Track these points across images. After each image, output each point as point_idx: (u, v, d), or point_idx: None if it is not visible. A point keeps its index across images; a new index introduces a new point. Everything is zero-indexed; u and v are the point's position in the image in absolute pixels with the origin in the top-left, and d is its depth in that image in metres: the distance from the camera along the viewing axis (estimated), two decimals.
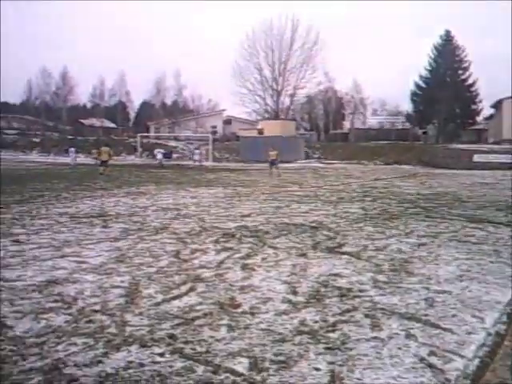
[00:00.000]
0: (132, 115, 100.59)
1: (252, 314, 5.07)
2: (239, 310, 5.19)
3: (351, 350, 4.22)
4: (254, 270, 6.94)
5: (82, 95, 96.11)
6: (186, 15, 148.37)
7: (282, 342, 4.35)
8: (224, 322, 4.83)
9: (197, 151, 50.39)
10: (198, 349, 4.18)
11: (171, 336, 4.44)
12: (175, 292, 5.80)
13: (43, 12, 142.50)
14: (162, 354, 4.06)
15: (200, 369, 3.82)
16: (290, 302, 5.52)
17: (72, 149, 45.07)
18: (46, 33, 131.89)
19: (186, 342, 4.30)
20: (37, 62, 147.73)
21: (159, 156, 47.50)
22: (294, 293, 5.87)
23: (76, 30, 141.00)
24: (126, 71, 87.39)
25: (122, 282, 6.19)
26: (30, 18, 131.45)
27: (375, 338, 4.48)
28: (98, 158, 31.50)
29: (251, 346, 4.26)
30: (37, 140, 69.86)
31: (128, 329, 4.60)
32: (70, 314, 4.96)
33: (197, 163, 46.41)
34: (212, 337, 4.44)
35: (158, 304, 5.34)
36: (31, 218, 11.45)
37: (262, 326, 4.74)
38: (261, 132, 63.48)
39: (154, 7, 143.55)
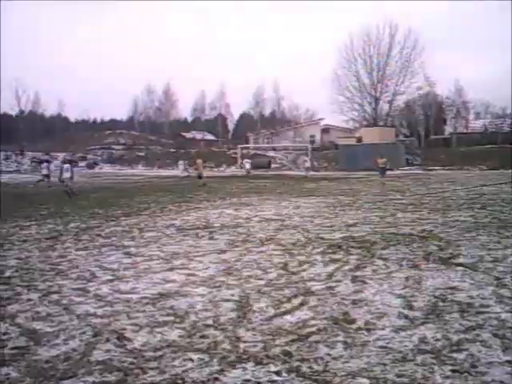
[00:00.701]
0: (231, 127, 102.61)
1: (368, 330, 4.85)
2: (354, 326, 4.98)
3: (483, 374, 3.88)
4: (365, 282, 6.70)
5: (184, 110, 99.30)
6: (284, 26, 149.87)
7: (403, 362, 4.10)
8: (339, 338, 4.65)
9: (306, 158, 49.61)
10: (315, 367, 4.02)
11: (287, 353, 4.31)
12: (287, 306, 5.68)
13: (150, 32, 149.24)
14: (278, 373, 3.94)
15: None
16: (406, 317, 5.23)
17: (181, 161, 46.85)
18: (150, 50, 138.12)
19: (302, 360, 4.15)
20: (142, 80, 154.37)
21: (247, 166, 49.58)
22: (410, 307, 5.57)
23: (178, 43, 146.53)
24: (226, 84, 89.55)
25: (232, 295, 6.16)
26: (137, 39, 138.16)
27: (510, 362, 4.10)
28: (195, 171, 33.12)
29: (370, 365, 4.04)
30: (141, 154, 72.81)
31: (242, 345, 4.52)
32: (183, 329, 4.96)
33: (303, 172, 45.52)
34: (329, 354, 4.26)
35: (270, 319, 5.24)
36: (140, 231, 11.80)
37: (380, 343, 4.50)
38: (359, 140, 62.59)
39: (254, 20, 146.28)
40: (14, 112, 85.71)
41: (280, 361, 4.16)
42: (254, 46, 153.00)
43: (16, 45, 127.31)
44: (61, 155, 72.55)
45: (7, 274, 7.56)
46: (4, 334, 4.94)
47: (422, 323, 5.03)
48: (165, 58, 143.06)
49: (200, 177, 32.11)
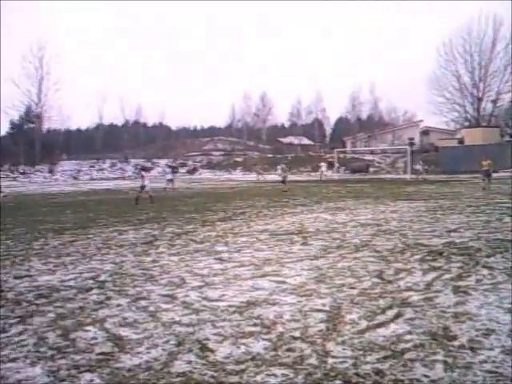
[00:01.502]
0: (328, 131, 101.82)
1: (472, 349, 4.34)
2: (456, 343, 4.49)
3: None
4: (468, 293, 6.14)
5: (281, 115, 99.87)
6: (379, 26, 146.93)
7: None
8: (439, 357, 4.19)
9: (420, 162, 47.38)
10: None
11: (378, 372, 3.93)
12: (380, 318, 5.27)
13: (246, 39, 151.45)
14: None
15: None
16: None
17: (279, 166, 47.22)
18: (246, 57, 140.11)
19: (396, 381, 3.75)
20: (240, 87, 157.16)
21: (323, 168, 50.70)
22: None
23: (275, 49, 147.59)
24: (322, 89, 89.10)
25: (323, 305, 5.82)
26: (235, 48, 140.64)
27: None
28: (283, 176, 33.44)
29: None
30: (239, 159, 73.80)
31: (330, 360, 4.18)
32: (269, 340, 4.70)
33: (416, 175, 43.69)
34: (426, 376, 3.83)
35: (361, 332, 4.86)
36: (234, 236, 11.71)
37: (487, 366, 3.99)
38: (461, 141, 59.87)
39: (350, 22, 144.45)
40: (119, 122, 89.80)
41: (371, 380, 3.79)
42: (349, 49, 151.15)
43: (119, 58, 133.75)
44: (162, 162, 75.25)
45: (102, 278, 7.66)
46: (92, 338, 4.92)
47: None
48: (261, 64, 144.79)
49: (283, 181, 32.24)
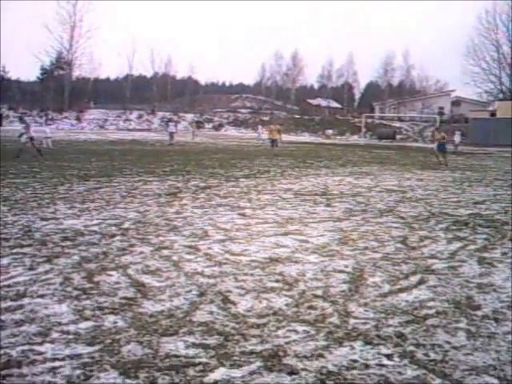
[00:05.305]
0: (357, 96, 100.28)
1: (496, 320, 4.29)
2: (479, 313, 4.44)
3: None
4: (493, 265, 6.05)
5: (311, 76, 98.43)
6: None
7: None
8: (462, 325, 4.15)
9: (457, 133, 40.41)
10: (433, 355, 3.58)
11: (400, 335, 3.91)
12: (403, 283, 5.23)
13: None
14: (389, 356, 3.55)
15: (436, 382, 3.23)
16: None
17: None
18: (279, 13, 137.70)
19: (418, 345, 3.73)
20: (271, 45, 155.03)
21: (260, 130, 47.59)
22: None
23: (307, 8, 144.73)
24: (355, 52, 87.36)
25: (346, 266, 5.80)
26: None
27: None
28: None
29: (500, 362, 3.51)
30: (266, 118, 73.26)
31: (351, 321, 4.17)
32: (290, 297, 4.70)
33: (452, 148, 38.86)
34: (448, 342, 3.80)
35: (384, 295, 4.83)
36: (257, 193, 11.70)
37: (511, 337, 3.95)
38: (493, 114, 58.49)
39: None
40: (148, 74, 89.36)
41: (392, 343, 3.77)
42: (383, 14, 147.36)
43: (152, 7, 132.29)
44: (188, 116, 75.10)
45: (125, 225, 7.73)
46: (115, 283, 4.98)
47: None
48: (294, 22, 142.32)
49: (276, 144, 28.56)
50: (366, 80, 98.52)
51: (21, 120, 25.01)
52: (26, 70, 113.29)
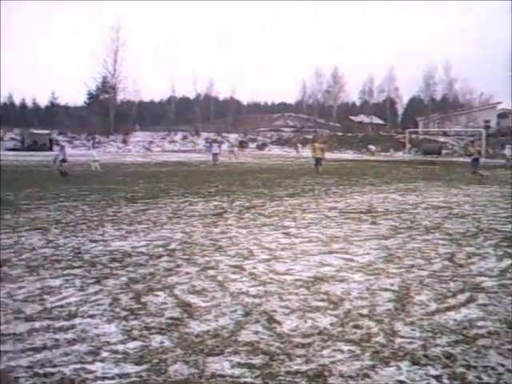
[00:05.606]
0: (400, 111, 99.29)
1: None
2: None
3: None
4: None
5: (352, 93, 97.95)
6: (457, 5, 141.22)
7: None
8: None
9: (508, 146, 39.98)
10: (486, 378, 3.49)
11: (449, 356, 3.84)
12: (451, 301, 5.14)
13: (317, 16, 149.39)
14: (438, 378, 3.49)
15: None
16: None
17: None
18: (318, 33, 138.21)
19: (468, 367, 3.65)
20: (310, 63, 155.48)
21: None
22: None
23: (347, 26, 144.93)
24: (395, 67, 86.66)
25: (392, 284, 5.74)
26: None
27: None
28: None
29: None
30: (309, 136, 73.21)
31: (398, 340, 4.13)
32: (335, 316, 4.69)
33: (504, 161, 37.30)
34: (502, 365, 3.69)
35: (431, 314, 4.76)
36: (302, 212, 11.69)
37: None
38: None
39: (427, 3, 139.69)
40: (191, 95, 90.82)
41: (441, 364, 3.70)
42: (424, 27, 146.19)
43: (193, 31, 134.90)
44: (232, 136, 75.80)
45: (172, 246, 7.84)
46: (162, 303, 5.06)
47: None
48: (333, 38, 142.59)
49: (319, 162, 27.04)
50: (408, 95, 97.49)
51: (57, 144, 26.33)
52: (73, 95, 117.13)
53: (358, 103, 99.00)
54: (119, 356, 3.80)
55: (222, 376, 3.49)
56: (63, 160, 21.76)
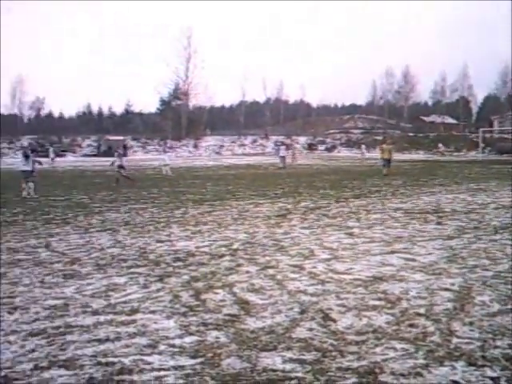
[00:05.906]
0: (475, 110, 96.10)
1: None
2: None
3: None
4: None
5: (423, 92, 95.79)
6: None
7: None
8: None
9: None
10: None
11: (509, 358, 3.73)
12: None
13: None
14: (496, 380, 3.41)
15: None
16: None
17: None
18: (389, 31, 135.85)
19: None
20: (382, 63, 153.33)
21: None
22: None
23: (417, 22, 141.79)
24: (469, 64, 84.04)
25: (452, 284, 5.63)
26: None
27: None
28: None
29: None
30: (379, 138, 72.11)
31: (454, 340, 4.06)
32: (392, 315, 4.66)
33: None
34: None
35: (492, 315, 4.63)
36: (366, 212, 11.59)
37: None
38: None
39: None
40: (261, 99, 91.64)
41: (500, 366, 3.61)
42: (501, 19, 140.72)
43: (263, 34, 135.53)
44: (301, 139, 75.76)
45: (235, 246, 7.99)
46: (221, 300, 5.19)
47: None
48: (404, 39, 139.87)
49: (388, 165, 25.53)
50: (483, 93, 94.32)
51: (115, 151, 26.92)
52: (147, 102, 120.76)
53: (429, 103, 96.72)
54: (176, 349, 3.94)
55: (273, 370, 3.56)
56: (121, 166, 21.82)
